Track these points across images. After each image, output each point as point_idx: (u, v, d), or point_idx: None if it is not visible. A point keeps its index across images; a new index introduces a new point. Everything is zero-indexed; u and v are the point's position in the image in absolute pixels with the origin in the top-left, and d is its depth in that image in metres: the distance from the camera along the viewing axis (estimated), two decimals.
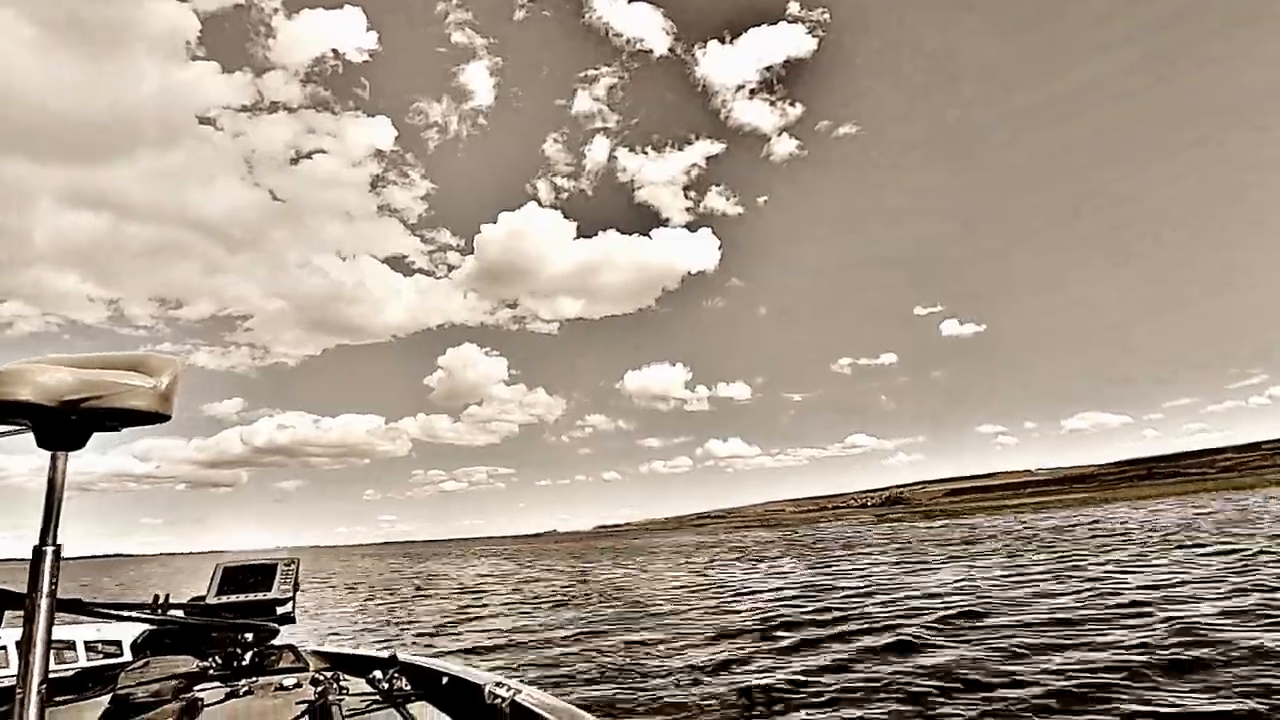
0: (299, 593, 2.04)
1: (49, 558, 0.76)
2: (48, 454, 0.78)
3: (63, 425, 0.78)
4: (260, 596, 1.98)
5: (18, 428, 0.77)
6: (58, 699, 1.58)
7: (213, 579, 2.02)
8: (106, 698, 1.40)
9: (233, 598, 1.96)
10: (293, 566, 2.09)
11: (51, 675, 1.38)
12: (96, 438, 0.82)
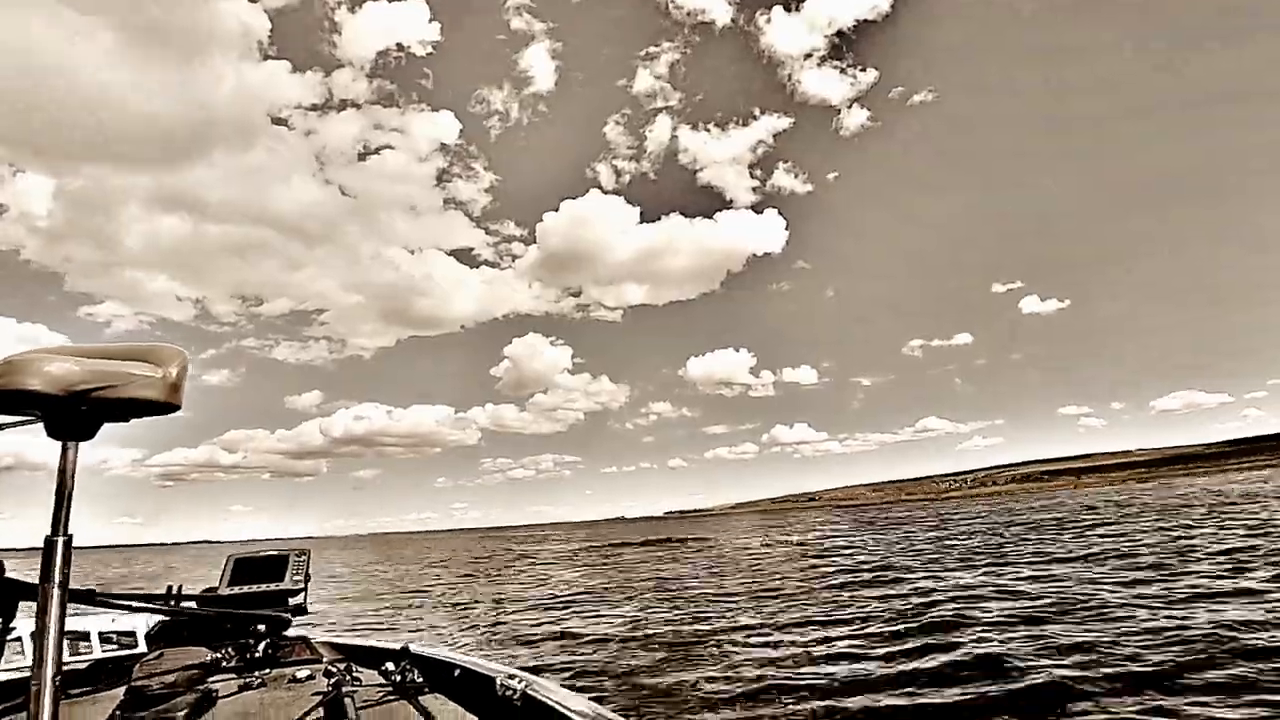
0: (309, 583, 2.05)
1: (60, 548, 0.76)
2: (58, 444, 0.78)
3: (73, 415, 0.78)
4: (272, 587, 2.00)
5: (28, 418, 0.78)
6: (73, 691, 1.60)
7: (224, 570, 2.04)
8: (122, 689, 1.43)
9: (245, 589, 1.99)
10: (304, 558, 2.11)
11: (66, 666, 1.40)
12: (105, 428, 0.81)
